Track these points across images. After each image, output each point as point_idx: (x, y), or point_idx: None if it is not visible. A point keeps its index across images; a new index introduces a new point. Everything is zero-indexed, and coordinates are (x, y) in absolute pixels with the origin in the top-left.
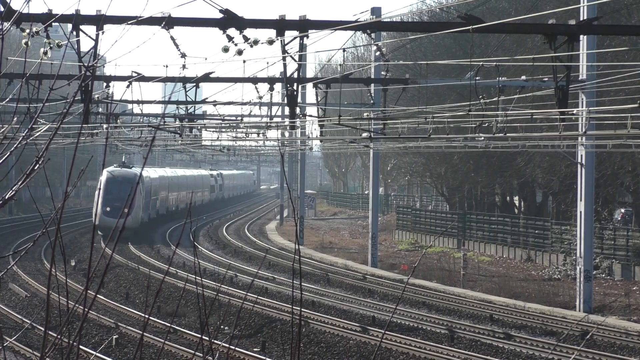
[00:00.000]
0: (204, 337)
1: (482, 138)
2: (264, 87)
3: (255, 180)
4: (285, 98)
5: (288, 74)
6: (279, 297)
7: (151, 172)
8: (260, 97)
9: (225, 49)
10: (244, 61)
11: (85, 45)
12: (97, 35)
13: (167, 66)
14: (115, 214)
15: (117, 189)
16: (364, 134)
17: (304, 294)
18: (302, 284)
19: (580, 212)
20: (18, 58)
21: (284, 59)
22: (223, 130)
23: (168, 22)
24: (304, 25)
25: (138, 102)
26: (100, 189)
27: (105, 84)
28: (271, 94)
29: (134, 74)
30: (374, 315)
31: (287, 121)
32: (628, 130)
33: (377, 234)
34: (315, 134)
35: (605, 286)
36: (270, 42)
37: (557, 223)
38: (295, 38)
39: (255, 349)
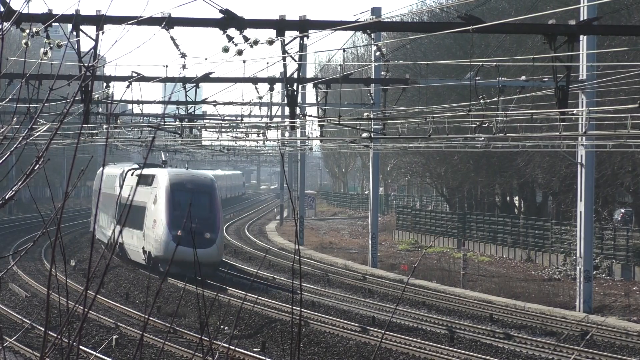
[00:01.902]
0: (204, 337)
1: (482, 138)
2: (264, 87)
3: (244, 181)
4: (285, 98)
5: (288, 74)
6: (279, 298)
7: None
8: (260, 97)
9: (225, 49)
10: (244, 61)
11: (85, 45)
12: (97, 36)
13: (167, 66)
14: (193, 241)
15: (190, 203)
16: (364, 134)
17: (304, 294)
18: (302, 284)
19: (580, 212)
20: (18, 58)
21: (284, 59)
22: (223, 130)
23: (168, 22)
24: (304, 26)
25: (138, 102)
26: (157, 201)
27: (105, 84)
28: (271, 94)
29: (134, 74)
30: (374, 316)
31: (287, 121)
32: (628, 130)
33: (377, 234)
34: (315, 134)
35: (605, 286)
36: (270, 42)
37: (557, 223)
38: (295, 38)
39: (255, 349)
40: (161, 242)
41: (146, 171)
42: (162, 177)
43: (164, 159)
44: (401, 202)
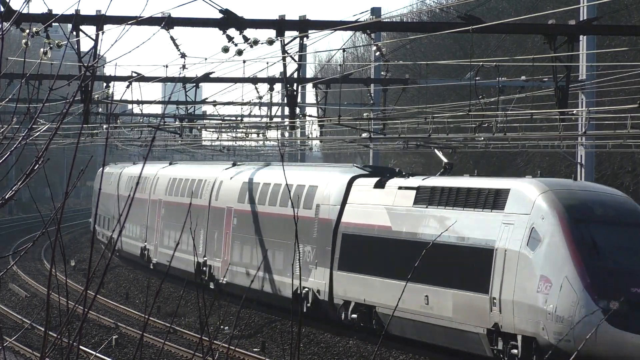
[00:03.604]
0: (204, 337)
1: (482, 138)
2: (264, 87)
3: None
4: (285, 98)
5: (288, 74)
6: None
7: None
8: (260, 97)
9: (225, 49)
10: (244, 61)
11: (85, 45)
12: (97, 35)
13: (167, 66)
14: None
15: (621, 247)
16: (364, 134)
17: None
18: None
19: None
20: (18, 58)
21: (283, 59)
22: (223, 130)
23: (168, 22)
24: (303, 26)
25: (138, 102)
26: (543, 241)
27: (105, 84)
28: (271, 94)
29: (134, 74)
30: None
31: (287, 121)
32: (628, 130)
33: None
34: (315, 134)
35: None
36: (270, 42)
37: None
38: (295, 38)
39: (255, 349)
40: (573, 321)
41: (479, 182)
42: (540, 195)
43: (445, 160)
44: None
